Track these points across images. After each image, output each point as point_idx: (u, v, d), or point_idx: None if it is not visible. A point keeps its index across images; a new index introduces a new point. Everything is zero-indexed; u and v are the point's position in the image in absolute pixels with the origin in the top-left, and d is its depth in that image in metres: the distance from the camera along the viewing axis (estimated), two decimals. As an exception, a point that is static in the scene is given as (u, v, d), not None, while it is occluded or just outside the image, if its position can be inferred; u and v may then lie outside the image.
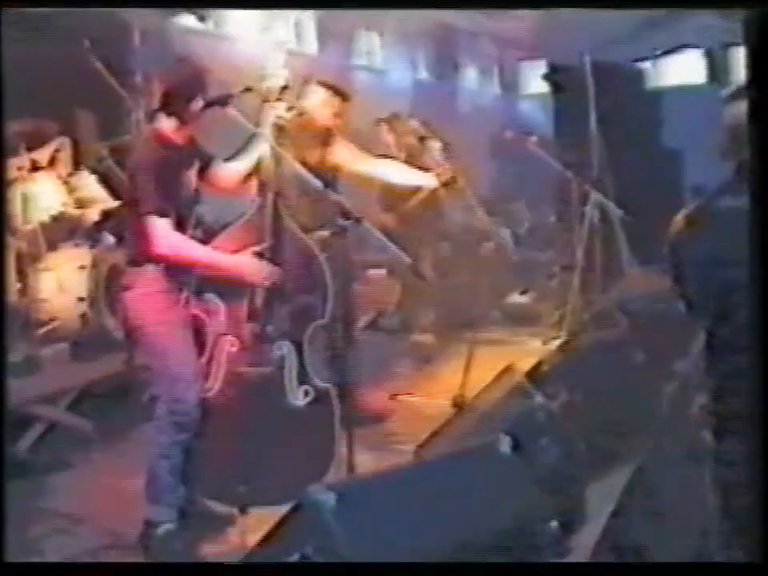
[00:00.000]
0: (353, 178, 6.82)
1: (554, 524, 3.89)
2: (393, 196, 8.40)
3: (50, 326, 6.86)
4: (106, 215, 7.32)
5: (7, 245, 6.56)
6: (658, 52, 13.28)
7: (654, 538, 4.39)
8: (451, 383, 6.74)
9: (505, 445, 4.02)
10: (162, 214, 4.73)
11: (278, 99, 5.06)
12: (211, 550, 4.84)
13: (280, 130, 5.07)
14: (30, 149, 7.16)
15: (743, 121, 3.70)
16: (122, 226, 5.95)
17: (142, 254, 4.82)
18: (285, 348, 4.99)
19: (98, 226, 7.35)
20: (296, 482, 4.30)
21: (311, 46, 11.12)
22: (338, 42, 11.43)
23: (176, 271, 4.85)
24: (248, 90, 5.08)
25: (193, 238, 4.94)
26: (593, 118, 9.52)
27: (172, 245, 4.76)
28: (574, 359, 6.01)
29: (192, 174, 5.01)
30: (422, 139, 9.04)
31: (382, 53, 12.73)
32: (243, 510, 4.89)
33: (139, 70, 7.56)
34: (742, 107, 3.74)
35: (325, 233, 5.30)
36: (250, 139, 5.18)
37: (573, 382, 5.40)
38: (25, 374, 6.37)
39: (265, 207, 4.99)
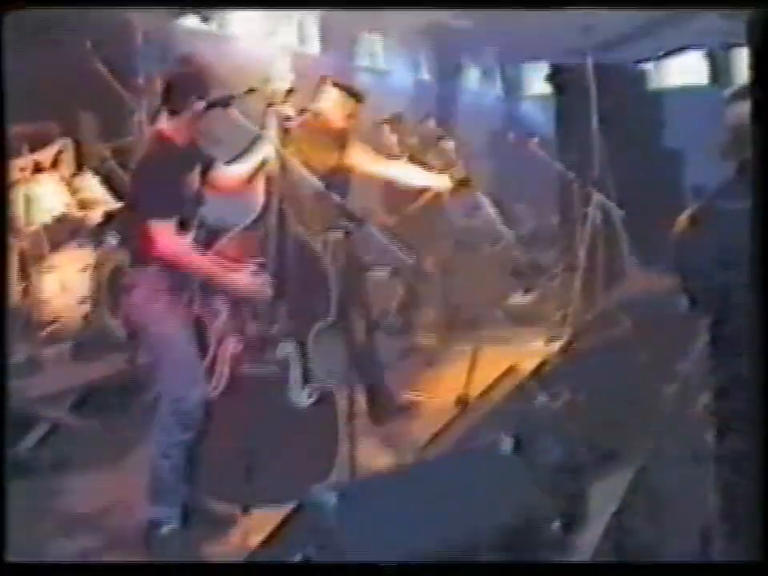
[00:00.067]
0: (367, 180, 6.84)
1: (556, 524, 3.89)
2: (396, 197, 8.40)
3: (52, 327, 6.87)
4: (109, 216, 7.32)
5: (10, 246, 6.57)
6: (660, 53, 13.28)
7: (656, 537, 4.39)
8: (454, 383, 6.73)
9: (507, 444, 4.02)
10: (164, 216, 4.74)
11: (284, 102, 5.06)
12: (213, 550, 4.84)
13: (285, 132, 5.07)
14: (32, 150, 7.17)
15: (745, 121, 3.71)
16: (125, 227, 5.96)
17: (145, 255, 4.82)
18: (289, 348, 4.99)
19: (101, 226, 7.34)
20: (298, 482, 4.31)
21: (314, 47, 11.12)
22: (340, 43, 11.42)
23: (179, 272, 4.85)
24: (251, 91, 5.08)
25: (196, 239, 4.95)
26: (595, 119, 9.52)
27: (172, 249, 4.77)
28: (577, 359, 6.02)
29: (195, 176, 5.01)
30: (437, 139, 9.07)
31: (385, 54, 12.73)
32: (246, 510, 4.90)
33: (142, 71, 7.56)
34: (743, 108, 3.74)
35: (330, 234, 5.30)
36: (254, 141, 5.19)
37: (575, 382, 5.40)
38: (27, 374, 6.38)
39: (269, 209, 5.00)
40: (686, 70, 13.73)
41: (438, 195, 7.94)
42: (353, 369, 6.16)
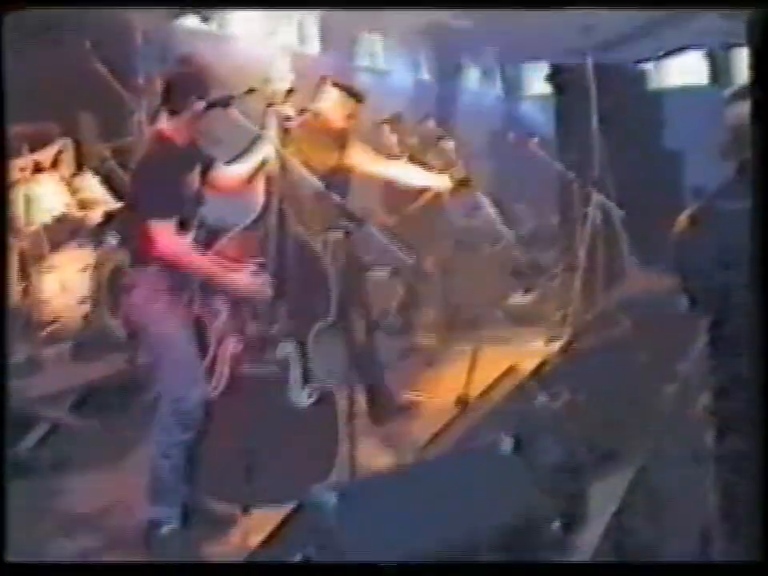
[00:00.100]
0: (367, 180, 6.84)
1: (556, 524, 3.89)
2: (396, 197, 8.40)
3: (52, 327, 6.87)
4: (109, 216, 7.33)
5: (10, 246, 6.57)
6: (660, 53, 13.28)
7: (656, 537, 4.39)
8: (454, 383, 6.73)
9: (507, 444, 4.02)
10: (164, 216, 4.74)
11: (284, 102, 5.06)
12: (213, 550, 4.84)
13: (285, 132, 5.07)
14: (32, 150, 7.17)
15: (745, 121, 3.71)
16: (125, 227, 5.96)
17: (145, 255, 4.83)
18: (289, 348, 4.99)
19: (101, 226, 7.35)
20: (298, 482, 4.31)
21: (314, 47, 11.12)
22: (340, 43, 11.42)
23: (179, 272, 4.86)
24: (251, 91, 5.08)
25: (196, 239, 4.95)
26: (595, 119, 9.52)
27: (172, 249, 4.77)
28: (577, 359, 6.02)
29: (194, 176, 5.01)
30: (437, 139, 9.07)
31: (385, 54, 12.73)
32: (246, 510, 4.90)
33: (142, 71, 7.56)
34: (743, 108, 3.74)
35: (330, 234, 5.30)
36: (254, 141, 5.19)
37: (575, 382, 5.40)
38: (27, 374, 6.38)
39: (269, 209, 5.00)
40: (685, 70, 13.73)
41: (437, 195, 7.94)
42: (353, 369, 6.19)
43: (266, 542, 3.68)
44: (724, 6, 6.47)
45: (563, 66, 11.40)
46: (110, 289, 6.99)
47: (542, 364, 5.92)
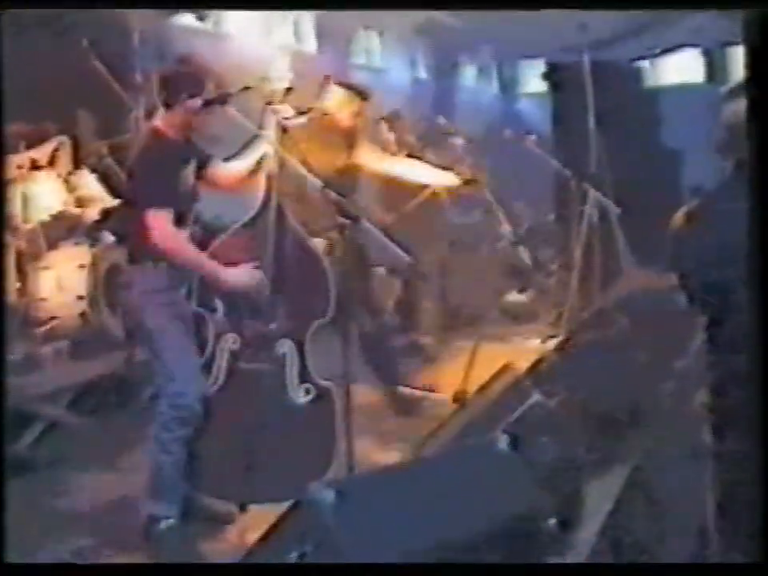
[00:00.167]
0: (375, 178, 6.85)
1: (553, 522, 3.89)
2: (394, 195, 8.41)
3: (49, 325, 6.87)
4: (106, 214, 7.33)
5: (7, 244, 6.57)
6: (657, 51, 13.29)
7: (654, 536, 4.39)
8: (452, 381, 6.73)
9: (503, 443, 4.03)
10: (161, 207, 4.75)
11: (282, 101, 5.06)
12: (210, 547, 4.84)
13: (284, 131, 5.07)
14: (29, 148, 7.17)
15: (741, 119, 3.71)
16: (122, 224, 5.97)
17: (143, 250, 4.83)
18: (287, 346, 5.00)
19: (98, 224, 7.35)
20: (296, 479, 4.30)
21: (310, 45, 11.13)
22: (336, 41, 11.43)
23: (177, 268, 4.87)
24: (246, 88, 5.09)
25: (192, 235, 4.96)
26: (591, 117, 9.51)
27: (170, 240, 4.78)
28: (573, 357, 6.01)
29: (190, 172, 5.02)
30: (446, 135, 9.08)
31: (381, 52, 12.74)
32: (243, 508, 4.91)
33: (138, 68, 7.56)
34: (740, 105, 3.74)
35: (328, 232, 5.31)
36: (251, 139, 5.20)
37: (571, 380, 5.39)
38: (25, 372, 6.38)
39: (268, 206, 5.00)
40: (682, 67, 13.76)
41: (435, 193, 7.94)
42: (372, 369, 6.22)
43: (263, 540, 3.66)
44: (720, 5, 6.47)
45: (560, 64, 11.40)
46: (107, 286, 6.98)
47: (539, 362, 5.91)
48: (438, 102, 13.26)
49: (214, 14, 9.37)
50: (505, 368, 5.54)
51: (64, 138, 7.50)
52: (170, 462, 4.85)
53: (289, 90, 5.06)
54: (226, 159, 5.30)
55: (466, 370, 6.62)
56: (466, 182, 7.16)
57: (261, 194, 5.05)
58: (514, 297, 10.65)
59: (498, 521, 3.72)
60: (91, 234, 7.34)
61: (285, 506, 3.58)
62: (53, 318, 6.87)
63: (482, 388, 5.61)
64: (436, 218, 8.89)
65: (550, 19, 7.73)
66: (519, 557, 3.68)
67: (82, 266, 6.96)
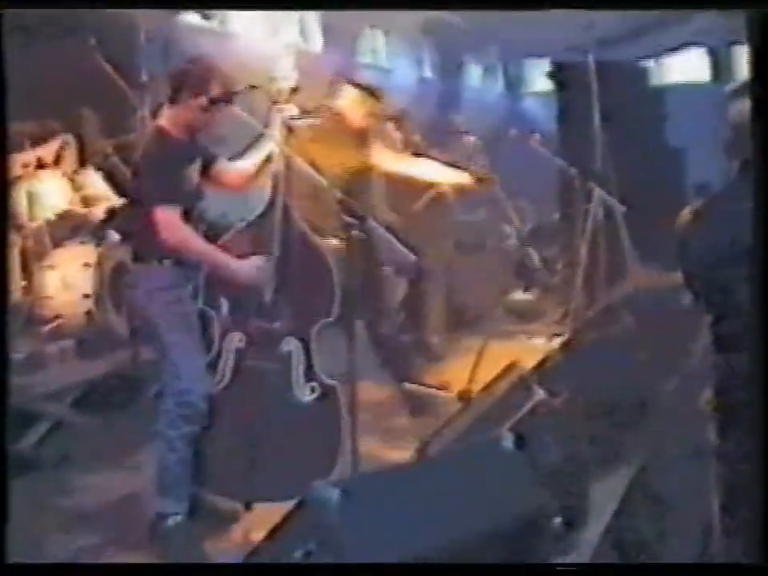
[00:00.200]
0: (380, 178, 6.85)
1: (557, 521, 3.89)
2: (400, 194, 8.41)
3: (54, 323, 6.87)
4: (112, 213, 7.34)
5: (12, 242, 6.58)
6: (662, 50, 13.27)
7: (657, 536, 4.39)
8: (458, 380, 6.74)
9: (508, 442, 4.03)
10: (169, 203, 4.76)
11: (287, 101, 5.06)
12: (215, 546, 4.85)
13: (289, 130, 5.07)
14: (35, 146, 7.18)
15: (747, 118, 3.70)
16: (128, 223, 5.98)
17: (149, 248, 4.84)
18: (292, 344, 5.00)
19: (104, 223, 7.36)
20: (301, 478, 4.31)
21: (316, 44, 11.13)
22: (342, 40, 11.43)
23: (182, 267, 4.88)
24: (252, 87, 5.09)
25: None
26: (596, 116, 9.50)
27: (180, 235, 4.79)
28: (578, 356, 6.01)
29: (194, 170, 5.03)
30: (460, 134, 9.08)
31: (387, 51, 12.74)
32: (248, 506, 4.92)
33: (144, 67, 7.56)
34: (745, 105, 3.74)
35: (335, 231, 5.31)
36: (257, 139, 5.20)
37: (576, 379, 5.40)
38: (29, 370, 6.38)
39: (274, 205, 5.01)
40: (687, 67, 13.74)
41: (441, 193, 7.94)
42: (385, 367, 6.22)
43: (268, 538, 3.67)
44: (725, 5, 6.46)
45: (565, 63, 11.40)
46: (112, 285, 6.99)
47: (544, 361, 5.92)
48: (443, 101, 13.25)
49: (219, 14, 9.38)
50: (510, 367, 5.54)
51: (69, 137, 7.52)
52: (176, 458, 4.85)
53: (294, 89, 5.06)
54: (232, 159, 5.31)
55: (473, 368, 6.63)
56: (479, 181, 7.17)
57: (267, 192, 5.05)
58: (519, 295, 10.66)
59: (502, 520, 3.72)
60: (97, 232, 7.34)
61: (290, 504, 3.59)
62: (58, 316, 6.87)
63: (488, 387, 5.61)
64: (441, 216, 8.88)
65: (556, 19, 7.73)
66: (523, 556, 3.69)
67: (87, 265, 6.96)
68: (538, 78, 14.40)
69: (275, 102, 5.04)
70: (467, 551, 3.51)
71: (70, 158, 7.50)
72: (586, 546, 4.18)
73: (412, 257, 5.95)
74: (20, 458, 5.65)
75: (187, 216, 4.89)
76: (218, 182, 5.26)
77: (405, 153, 8.20)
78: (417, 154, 7.92)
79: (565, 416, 4.91)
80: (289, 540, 3.51)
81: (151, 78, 7.42)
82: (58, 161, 7.37)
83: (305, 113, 5.15)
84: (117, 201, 7.32)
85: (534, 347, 8.19)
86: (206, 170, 5.12)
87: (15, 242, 6.70)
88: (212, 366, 4.99)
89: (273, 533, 3.65)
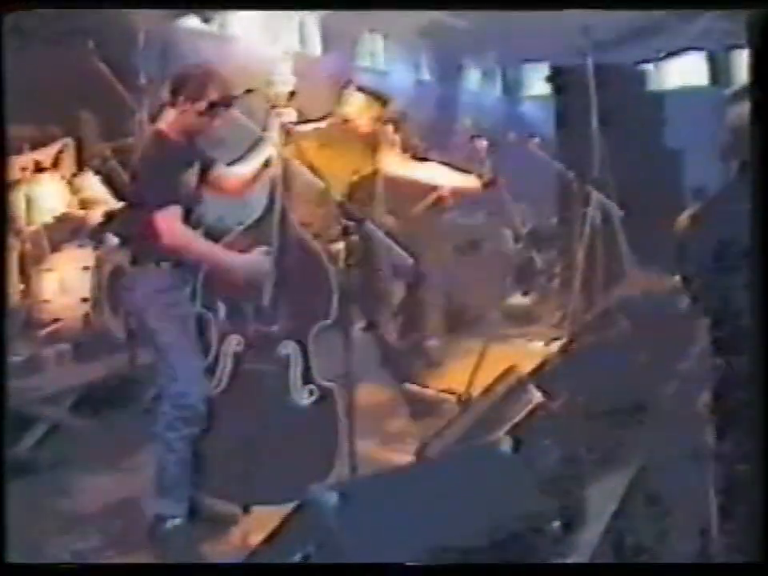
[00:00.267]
0: (388, 181, 6.85)
1: (556, 524, 3.89)
2: (399, 198, 8.41)
3: (52, 327, 6.88)
4: (110, 216, 7.34)
5: (10, 246, 6.58)
6: (661, 54, 13.29)
7: (656, 537, 4.39)
8: (457, 384, 6.73)
9: (506, 445, 4.03)
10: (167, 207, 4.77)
11: (286, 105, 5.05)
12: (214, 549, 4.84)
13: (288, 134, 5.07)
14: (33, 149, 7.19)
15: (745, 122, 3.71)
16: (126, 226, 5.97)
17: (146, 252, 4.85)
18: (290, 347, 5.00)
19: (102, 226, 7.36)
20: (299, 481, 4.30)
21: (315, 47, 11.14)
22: (341, 43, 11.44)
23: (180, 269, 4.88)
24: (250, 91, 5.09)
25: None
26: (595, 119, 9.49)
27: (180, 235, 4.79)
28: (576, 359, 6.01)
29: (193, 174, 5.03)
30: (471, 138, 9.07)
31: (385, 54, 12.75)
32: (246, 509, 4.91)
33: (143, 71, 7.56)
34: (744, 108, 3.74)
35: (333, 235, 5.31)
36: (256, 143, 5.21)
37: (575, 382, 5.40)
38: (27, 374, 6.39)
39: (272, 209, 5.01)
40: (686, 70, 13.76)
41: (441, 196, 7.94)
42: (387, 369, 6.21)
43: (267, 541, 3.67)
44: (724, 7, 6.47)
45: (563, 67, 11.39)
46: (110, 289, 6.99)
47: (542, 364, 5.91)
48: (441, 104, 13.26)
49: (219, 17, 9.39)
50: (508, 370, 5.54)
51: (68, 140, 7.53)
52: (175, 460, 4.85)
53: (293, 93, 5.06)
54: (231, 163, 5.31)
55: (473, 372, 6.62)
56: (487, 184, 7.17)
57: (265, 196, 5.05)
58: (517, 299, 10.65)
59: (500, 523, 3.72)
60: (95, 236, 7.35)
61: (288, 507, 3.59)
62: (56, 319, 6.88)
63: (486, 390, 5.61)
64: (440, 219, 8.88)
65: (554, 22, 7.75)
66: (522, 559, 3.68)
67: (85, 268, 6.97)
68: (537, 82, 14.41)
69: (274, 106, 5.03)
70: (466, 554, 3.51)
71: (69, 161, 7.51)
72: (585, 547, 4.17)
73: (410, 260, 5.94)
74: (17, 461, 5.66)
75: (185, 220, 4.89)
76: (217, 186, 5.26)
77: (407, 156, 8.22)
78: (420, 158, 7.93)
79: (563, 419, 4.91)
80: (287, 543, 3.51)
81: (150, 82, 7.42)
82: (56, 164, 7.38)
83: (310, 119, 5.16)
84: (115, 204, 7.32)
85: (532, 350, 8.19)
86: (204, 173, 5.12)
87: (13, 246, 6.71)
88: (210, 370, 4.99)
89: (271, 536, 3.64)
